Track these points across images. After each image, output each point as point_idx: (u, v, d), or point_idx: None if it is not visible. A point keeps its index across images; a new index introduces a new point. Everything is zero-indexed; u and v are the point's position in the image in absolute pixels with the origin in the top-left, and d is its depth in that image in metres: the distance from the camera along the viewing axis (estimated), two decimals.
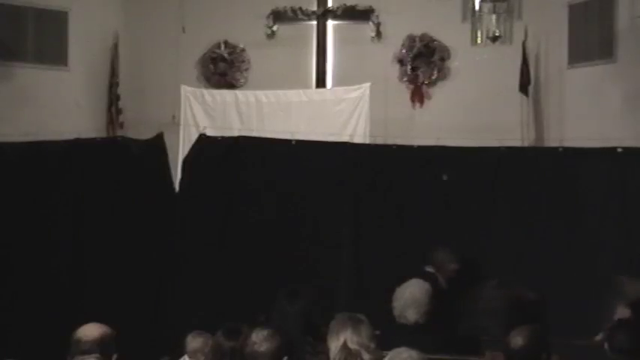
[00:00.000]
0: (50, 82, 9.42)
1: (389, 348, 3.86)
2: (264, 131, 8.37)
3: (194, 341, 5.28)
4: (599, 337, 6.02)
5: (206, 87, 10.14)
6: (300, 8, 10.13)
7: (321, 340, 4.54)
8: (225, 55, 10.33)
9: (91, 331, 3.66)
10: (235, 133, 8.05)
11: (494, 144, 7.51)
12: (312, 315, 4.96)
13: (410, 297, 5.30)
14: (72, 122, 8.83)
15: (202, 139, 7.76)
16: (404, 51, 10.04)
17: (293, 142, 7.59)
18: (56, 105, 9.34)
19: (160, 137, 7.68)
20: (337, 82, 10.03)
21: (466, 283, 6.73)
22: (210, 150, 7.62)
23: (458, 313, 6.39)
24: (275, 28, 10.20)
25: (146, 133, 7.86)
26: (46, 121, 8.88)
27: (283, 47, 10.16)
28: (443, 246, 6.83)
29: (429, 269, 6.74)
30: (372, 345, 3.83)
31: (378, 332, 4.23)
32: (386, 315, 5.31)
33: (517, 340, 4.07)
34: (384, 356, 3.81)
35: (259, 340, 4.01)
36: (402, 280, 5.58)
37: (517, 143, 8.84)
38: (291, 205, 7.46)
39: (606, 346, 4.54)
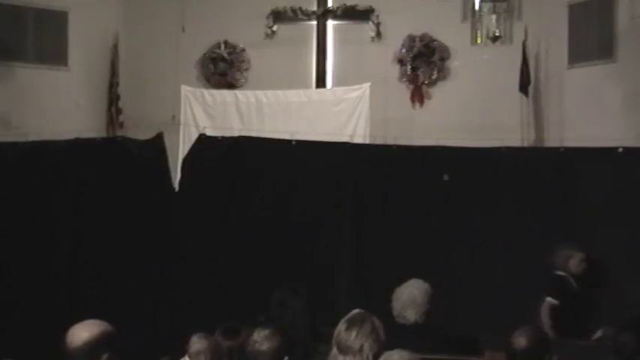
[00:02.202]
0: (50, 82, 9.43)
1: (388, 348, 3.86)
2: (264, 131, 8.37)
3: (198, 343, 5.27)
4: (597, 336, 6.04)
5: (206, 87, 10.15)
6: (300, 8, 10.14)
7: (321, 340, 4.53)
8: (225, 55, 10.33)
9: (77, 335, 3.52)
10: (235, 133, 8.04)
11: (495, 144, 7.51)
12: (312, 314, 4.96)
13: (409, 297, 5.29)
14: (72, 122, 8.83)
15: (202, 139, 7.75)
16: (404, 51, 10.05)
17: (293, 142, 7.58)
18: (56, 105, 9.34)
19: (159, 137, 7.67)
20: (337, 82, 10.04)
21: (594, 279, 6.65)
22: (210, 150, 7.61)
23: (593, 309, 6.38)
24: (275, 28, 10.22)
25: (146, 133, 7.85)
26: (46, 121, 8.88)
27: (283, 47, 10.17)
28: (565, 245, 6.68)
29: (559, 273, 6.64)
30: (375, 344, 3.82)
31: None
32: (386, 315, 5.30)
33: (520, 340, 4.04)
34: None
35: (260, 339, 4.01)
36: (402, 279, 5.57)
37: (517, 143, 8.84)
38: (291, 205, 7.45)
39: (611, 346, 4.54)
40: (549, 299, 6.49)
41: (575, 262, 6.62)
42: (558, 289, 6.57)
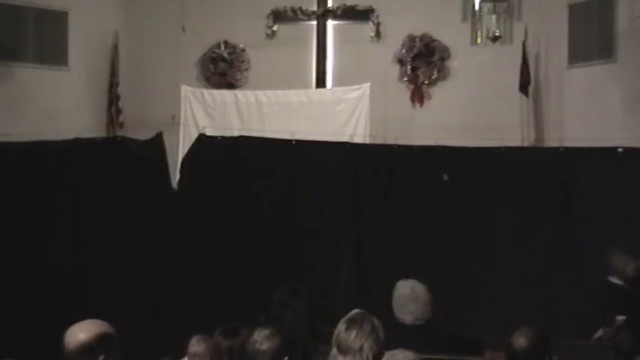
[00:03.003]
0: (50, 82, 9.42)
1: (388, 348, 3.85)
2: (264, 131, 8.37)
3: (196, 345, 5.25)
4: (597, 336, 6.03)
5: (206, 87, 10.15)
6: (300, 8, 10.14)
7: (321, 340, 4.53)
8: (225, 55, 10.33)
9: (74, 336, 3.48)
10: (235, 133, 8.05)
11: (495, 144, 7.51)
12: (312, 314, 4.95)
13: (410, 297, 5.28)
14: (72, 122, 8.83)
15: (202, 138, 7.76)
16: (404, 51, 10.05)
17: (293, 142, 7.59)
18: (56, 105, 9.34)
19: (159, 137, 7.68)
20: (337, 82, 10.04)
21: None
22: (210, 150, 7.61)
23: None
24: (275, 28, 10.22)
25: (146, 133, 7.86)
26: (46, 121, 8.88)
27: (283, 47, 10.17)
28: (616, 249, 6.45)
29: (614, 280, 6.41)
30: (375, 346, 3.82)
31: None
32: (386, 315, 5.29)
33: (520, 340, 4.03)
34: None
35: (260, 339, 4.01)
36: (402, 279, 5.56)
37: (517, 143, 8.84)
38: (291, 205, 7.45)
39: (610, 345, 4.55)
40: (620, 317, 6.22)
41: (631, 268, 6.38)
42: (620, 301, 6.33)
